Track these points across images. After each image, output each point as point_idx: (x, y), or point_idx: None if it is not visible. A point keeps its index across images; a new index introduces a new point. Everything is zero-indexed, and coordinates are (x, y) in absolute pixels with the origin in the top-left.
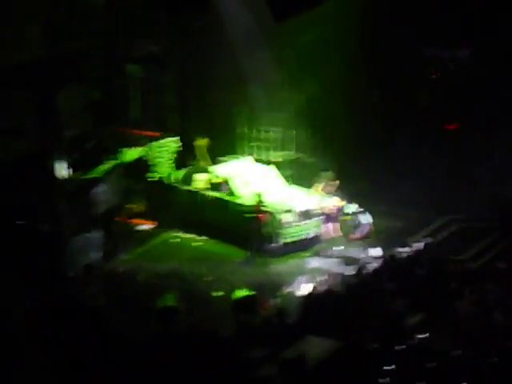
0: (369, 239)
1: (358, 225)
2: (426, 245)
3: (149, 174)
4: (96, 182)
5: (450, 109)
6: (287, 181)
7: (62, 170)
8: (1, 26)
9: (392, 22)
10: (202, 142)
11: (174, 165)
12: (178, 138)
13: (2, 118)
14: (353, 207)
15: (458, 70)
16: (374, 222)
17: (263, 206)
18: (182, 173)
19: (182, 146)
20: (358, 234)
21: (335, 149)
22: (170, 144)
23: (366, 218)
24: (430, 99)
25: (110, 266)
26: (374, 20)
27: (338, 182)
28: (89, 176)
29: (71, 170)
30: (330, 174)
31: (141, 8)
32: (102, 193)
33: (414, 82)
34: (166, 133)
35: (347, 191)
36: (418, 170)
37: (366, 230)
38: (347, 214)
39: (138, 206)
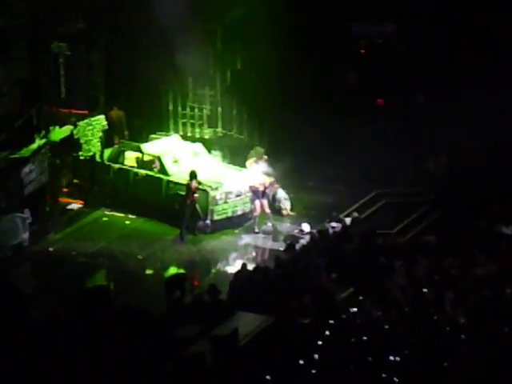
0: (301, 213)
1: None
2: (353, 219)
3: (78, 153)
4: (24, 161)
5: (377, 84)
6: (220, 158)
7: None
8: None
9: None
10: (114, 113)
11: (101, 143)
12: (104, 116)
13: None
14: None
15: (385, 44)
16: (302, 198)
17: (196, 183)
18: (111, 151)
19: (109, 124)
20: (283, 208)
21: (264, 125)
22: (98, 122)
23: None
24: (359, 74)
25: (39, 246)
26: None
27: (266, 157)
28: (17, 155)
29: None
30: (259, 149)
31: None
32: (31, 172)
33: (343, 57)
34: (94, 111)
35: (277, 167)
36: (348, 145)
37: (286, 204)
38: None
39: (67, 185)
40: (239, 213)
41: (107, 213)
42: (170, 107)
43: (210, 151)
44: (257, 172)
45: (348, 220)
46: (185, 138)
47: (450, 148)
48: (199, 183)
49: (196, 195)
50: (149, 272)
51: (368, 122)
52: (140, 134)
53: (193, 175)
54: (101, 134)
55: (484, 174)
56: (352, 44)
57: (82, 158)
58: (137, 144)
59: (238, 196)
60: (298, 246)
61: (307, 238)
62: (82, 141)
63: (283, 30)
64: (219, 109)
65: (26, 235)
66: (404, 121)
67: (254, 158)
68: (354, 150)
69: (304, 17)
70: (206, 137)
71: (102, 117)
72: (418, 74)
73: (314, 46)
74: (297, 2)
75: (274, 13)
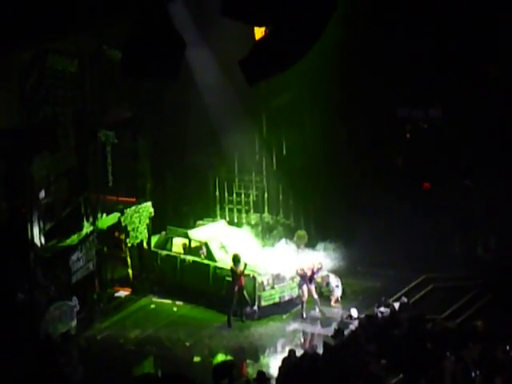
0: (346, 299)
1: (331, 287)
2: (402, 304)
3: (125, 240)
4: (72, 249)
5: (424, 168)
6: (270, 243)
7: (38, 237)
8: None
9: (365, 82)
10: None
11: (148, 230)
12: (150, 203)
13: None
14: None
15: (430, 129)
16: (350, 283)
17: (243, 268)
18: (158, 237)
19: (155, 211)
20: (333, 297)
21: (310, 210)
22: (145, 209)
23: (337, 280)
24: (405, 158)
25: (86, 333)
26: (348, 80)
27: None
28: (64, 243)
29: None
30: (301, 233)
31: (114, 74)
32: (78, 260)
33: (389, 141)
34: (141, 198)
35: (325, 252)
36: (396, 229)
37: (337, 292)
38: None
39: (114, 273)
40: (286, 298)
41: (154, 300)
42: (217, 193)
43: (256, 237)
44: (304, 257)
45: (396, 305)
46: (231, 223)
47: (498, 231)
48: (245, 268)
49: (242, 279)
50: (196, 359)
51: (415, 206)
52: (187, 220)
53: (236, 259)
54: (148, 220)
55: None
56: (398, 128)
57: (129, 244)
58: (184, 230)
59: (284, 281)
60: (346, 332)
61: (356, 323)
62: (129, 228)
63: (329, 115)
64: (265, 194)
65: (73, 323)
66: (451, 204)
67: (299, 241)
68: (402, 235)
69: (349, 101)
70: (253, 222)
71: (149, 204)
72: (465, 158)
73: (359, 130)
74: (341, 86)
75: (318, 97)
